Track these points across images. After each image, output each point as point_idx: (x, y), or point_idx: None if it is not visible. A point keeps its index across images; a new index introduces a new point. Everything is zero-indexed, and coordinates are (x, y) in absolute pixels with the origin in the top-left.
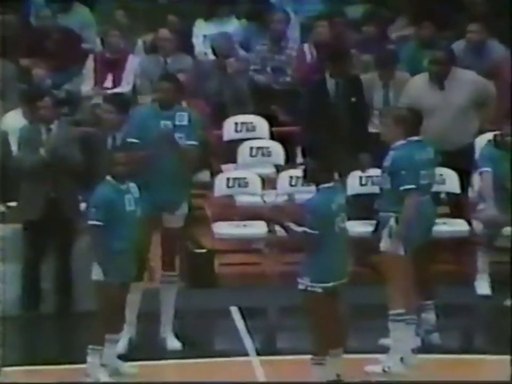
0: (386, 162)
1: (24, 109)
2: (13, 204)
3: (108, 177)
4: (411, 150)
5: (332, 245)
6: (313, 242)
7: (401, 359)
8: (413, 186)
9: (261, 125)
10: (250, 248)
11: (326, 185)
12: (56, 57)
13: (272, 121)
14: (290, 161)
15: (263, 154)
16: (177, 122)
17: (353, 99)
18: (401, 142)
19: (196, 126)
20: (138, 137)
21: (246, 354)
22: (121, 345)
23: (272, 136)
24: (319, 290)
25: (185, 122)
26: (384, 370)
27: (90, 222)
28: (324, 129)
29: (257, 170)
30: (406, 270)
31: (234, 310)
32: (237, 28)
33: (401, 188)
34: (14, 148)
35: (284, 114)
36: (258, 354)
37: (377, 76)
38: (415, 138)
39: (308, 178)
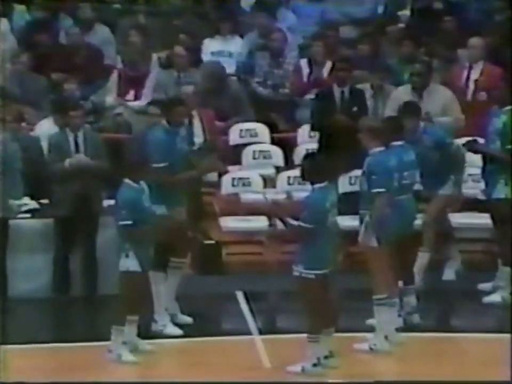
0: (363, 167)
1: (56, 117)
2: (45, 201)
3: (127, 180)
4: (385, 156)
5: (323, 237)
6: (307, 235)
7: (386, 337)
8: (382, 189)
9: (263, 131)
10: (253, 240)
11: (321, 185)
12: (83, 72)
13: (272, 128)
14: (288, 163)
15: (264, 157)
16: (181, 134)
17: (355, 108)
18: (378, 149)
19: (192, 132)
20: (164, 161)
21: (250, 334)
22: (173, 329)
23: (273, 141)
24: (312, 276)
25: (185, 133)
26: (371, 348)
27: (122, 223)
28: (324, 135)
29: (259, 171)
30: (381, 260)
31: (239, 294)
32: (239, 45)
33: (373, 190)
34: (45, 151)
35: (283, 122)
36: (260, 333)
37: (368, 87)
38: (397, 143)
39: (305, 178)
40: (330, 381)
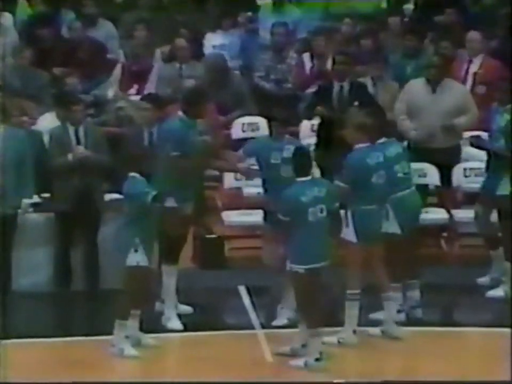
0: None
1: (57, 111)
2: (46, 195)
3: (133, 174)
4: (365, 153)
5: (306, 232)
6: (287, 228)
7: (354, 331)
8: (348, 185)
9: (265, 125)
10: (256, 234)
11: (302, 179)
12: (85, 66)
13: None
14: None
15: None
16: (197, 127)
17: (356, 103)
18: (362, 145)
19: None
20: (179, 150)
21: (252, 328)
22: (176, 323)
23: None
24: (301, 270)
25: (202, 127)
26: (339, 341)
27: (129, 216)
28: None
29: None
30: (357, 256)
31: (241, 289)
32: (239, 38)
33: (343, 185)
34: (47, 146)
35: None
36: (263, 327)
37: (369, 80)
38: (382, 140)
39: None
40: (334, 381)
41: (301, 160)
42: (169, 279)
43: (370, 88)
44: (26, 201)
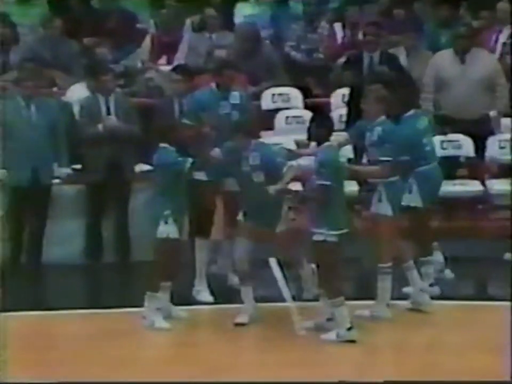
0: (373, 137)
1: (87, 82)
2: (77, 166)
3: (165, 145)
4: (397, 126)
5: (340, 196)
6: (328, 193)
7: (387, 305)
8: (390, 158)
9: (296, 96)
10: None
11: (328, 143)
12: (115, 36)
13: (306, 93)
14: None
15: (297, 122)
16: (232, 101)
17: (385, 73)
18: (383, 117)
19: (247, 102)
20: (202, 118)
21: (283, 301)
22: (207, 296)
23: (306, 106)
24: (334, 239)
25: (238, 101)
26: (372, 315)
27: (161, 187)
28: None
29: (292, 136)
30: (393, 229)
31: (272, 261)
32: (270, 7)
33: (383, 159)
34: (77, 116)
35: (316, 87)
36: (294, 300)
37: (402, 50)
38: (410, 113)
39: (311, 139)
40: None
41: (323, 126)
42: (201, 252)
43: (404, 59)
44: (62, 170)
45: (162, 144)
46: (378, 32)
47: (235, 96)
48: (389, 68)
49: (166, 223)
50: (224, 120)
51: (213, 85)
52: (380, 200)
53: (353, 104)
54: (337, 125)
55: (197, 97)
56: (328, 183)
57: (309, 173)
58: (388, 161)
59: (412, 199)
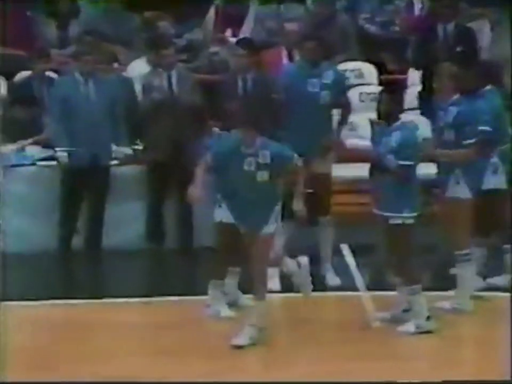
0: (448, 118)
1: (149, 56)
2: (137, 147)
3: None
4: (476, 105)
5: (415, 177)
6: (407, 173)
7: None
8: (473, 140)
9: (370, 72)
10: (359, 189)
11: (401, 121)
12: (178, 9)
13: (380, 68)
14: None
15: (371, 100)
16: (323, 80)
17: (458, 48)
18: (457, 96)
19: (341, 82)
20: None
21: (356, 290)
22: (275, 283)
23: (381, 83)
24: (411, 221)
25: (330, 80)
26: (453, 308)
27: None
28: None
29: (366, 114)
30: (469, 214)
31: (344, 247)
32: None
33: (465, 142)
34: (138, 93)
35: (392, 63)
36: (368, 289)
37: (487, 23)
38: (485, 89)
39: (381, 117)
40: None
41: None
42: (324, 230)
43: (488, 33)
44: (121, 150)
45: (214, 129)
46: (451, 2)
47: (328, 75)
48: (461, 42)
49: (220, 206)
50: (311, 101)
51: (284, 60)
52: (457, 183)
53: (427, 81)
54: (413, 103)
55: (285, 71)
56: (411, 163)
57: (371, 153)
58: (474, 143)
59: (497, 180)
